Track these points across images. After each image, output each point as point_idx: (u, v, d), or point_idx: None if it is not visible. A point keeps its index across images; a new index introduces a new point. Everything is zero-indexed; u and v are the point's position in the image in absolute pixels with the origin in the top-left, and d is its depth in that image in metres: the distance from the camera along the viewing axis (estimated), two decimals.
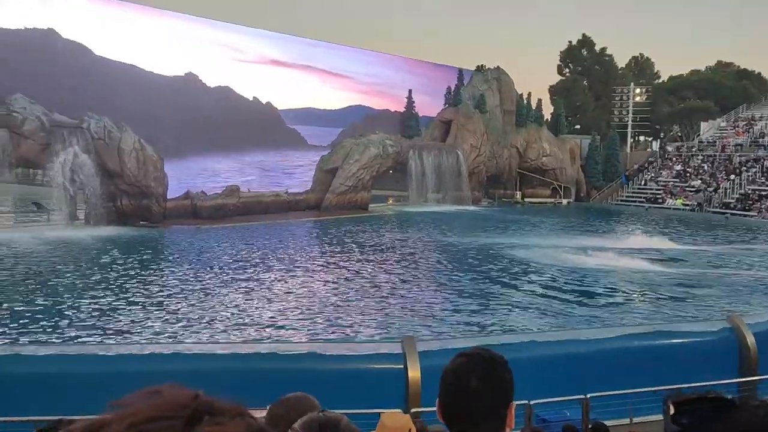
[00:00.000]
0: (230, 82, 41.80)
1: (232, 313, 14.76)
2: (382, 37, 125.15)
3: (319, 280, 19.29)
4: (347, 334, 13.19)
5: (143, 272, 19.66)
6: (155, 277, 19.04)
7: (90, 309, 14.77)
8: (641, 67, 72.22)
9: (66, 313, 14.42)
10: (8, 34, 30.76)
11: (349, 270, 21.14)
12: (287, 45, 45.30)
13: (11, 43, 30.21)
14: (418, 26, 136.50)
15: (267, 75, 43.85)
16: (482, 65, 55.72)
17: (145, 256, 22.68)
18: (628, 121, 62.55)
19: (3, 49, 29.43)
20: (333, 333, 13.34)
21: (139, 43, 36.48)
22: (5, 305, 14.88)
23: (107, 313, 14.52)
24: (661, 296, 17.98)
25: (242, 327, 13.66)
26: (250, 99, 43.29)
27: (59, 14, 33.21)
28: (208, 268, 20.51)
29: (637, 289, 19.05)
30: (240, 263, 21.82)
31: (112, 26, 35.33)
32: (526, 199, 52.63)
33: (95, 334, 12.72)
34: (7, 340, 11.89)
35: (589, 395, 6.26)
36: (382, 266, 22.11)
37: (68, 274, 18.96)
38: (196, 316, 14.38)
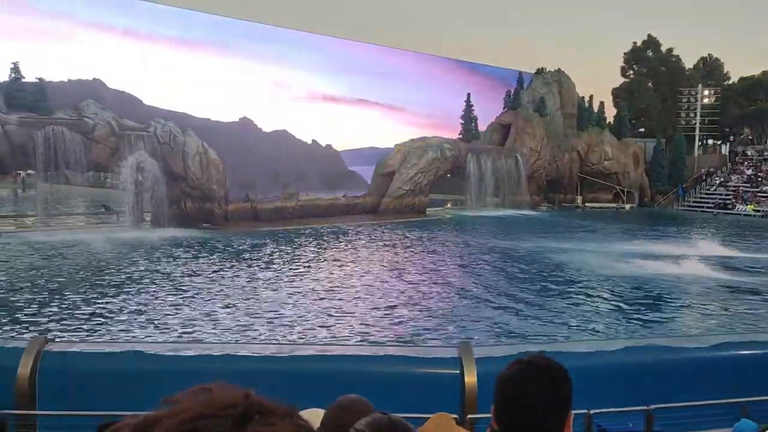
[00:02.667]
0: (286, 125, 40.76)
1: (287, 313, 14.97)
2: (440, 42, 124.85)
3: (374, 282, 19.33)
4: (403, 337, 13.17)
5: (217, 270, 20.19)
6: (222, 276, 19.51)
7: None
8: (710, 68, 69.64)
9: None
10: (56, 86, 31.47)
11: (405, 273, 21.12)
12: (338, 78, 44.62)
13: (61, 94, 30.85)
14: (477, 29, 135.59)
15: (322, 113, 42.91)
16: (542, 68, 54.92)
17: (226, 256, 23.29)
18: (695, 123, 60.44)
19: (54, 100, 29.93)
20: (388, 335, 13.34)
21: (188, 89, 35.80)
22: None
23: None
24: (730, 305, 17.27)
25: (304, 328, 13.82)
26: (309, 142, 42.38)
27: (105, 64, 33.20)
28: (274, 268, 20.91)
29: (704, 298, 18.35)
30: (303, 265, 22.13)
31: (159, 73, 34.72)
32: (586, 204, 51.48)
33: (183, 332, 13.12)
34: (74, 338, 12.36)
35: (652, 406, 6.05)
36: (440, 270, 22.01)
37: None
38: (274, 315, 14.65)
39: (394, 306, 16.19)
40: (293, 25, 48.25)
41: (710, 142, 68.51)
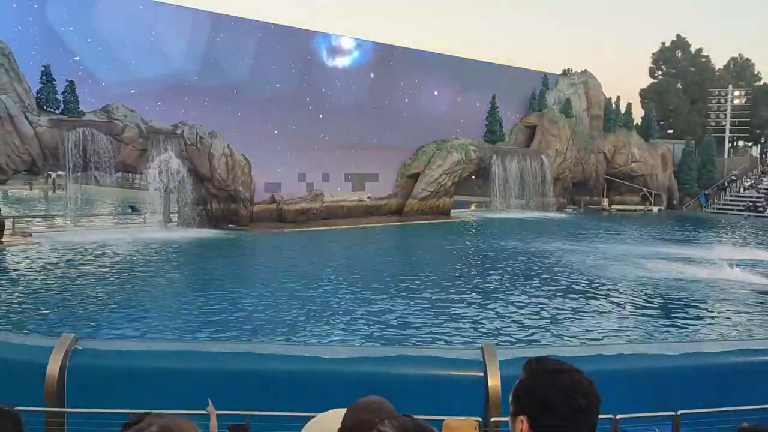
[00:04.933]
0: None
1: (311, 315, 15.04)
2: (467, 45, 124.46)
3: (398, 284, 19.30)
4: (425, 339, 13.13)
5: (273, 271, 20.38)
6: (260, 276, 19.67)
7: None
8: (740, 69, 68.44)
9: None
10: None
11: (428, 275, 21.07)
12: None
13: None
14: (503, 30, 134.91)
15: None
16: (568, 69, 54.40)
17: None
18: (725, 125, 59.42)
19: None
20: (410, 338, 13.31)
21: None
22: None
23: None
24: (760, 310, 16.94)
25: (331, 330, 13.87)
26: None
27: None
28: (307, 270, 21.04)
29: (733, 302, 18.02)
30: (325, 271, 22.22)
31: None
32: (613, 206, 50.91)
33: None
34: (104, 336, 12.55)
35: (680, 412, 5.96)
36: (463, 273, 21.93)
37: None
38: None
39: (417, 308, 16.18)
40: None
41: (740, 143, 67.34)
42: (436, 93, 43.00)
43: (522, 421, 1.74)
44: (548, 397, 1.72)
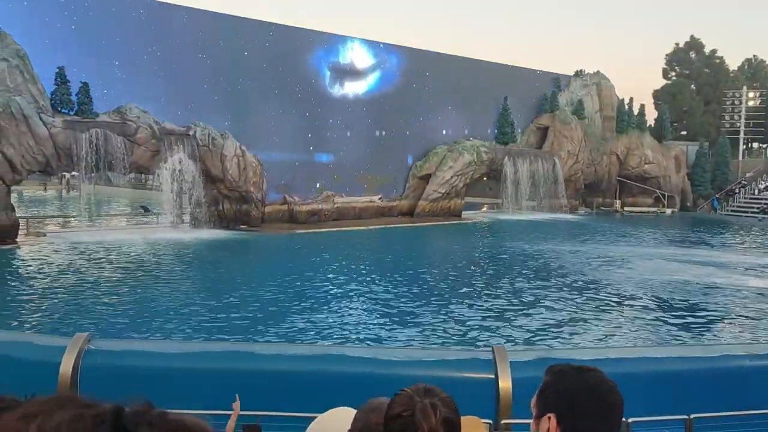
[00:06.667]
0: None
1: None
2: (478, 46, 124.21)
3: (408, 286, 19.30)
4: (435, 341, 13.11)
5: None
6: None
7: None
8: (755, 70, 67.88)
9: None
10: None
11: (438, 277, 21.05)
12: None
13: None
14: (515, 31, 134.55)
15: None
16: (581, 70, 54.14)
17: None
18: (740, 126, 58.91)
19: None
20: (421, 339, 13.29)
21: None
22: None
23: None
24: None
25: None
26: None
27: None
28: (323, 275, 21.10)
29: (744, 306, 17.85)
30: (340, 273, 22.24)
31: None
32: (625, 208, 50.61)
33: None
34: (118, 335, 12.62)
35: (693, 416, 5.91)
36: (475, 275, 21.88)
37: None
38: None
39: (427, 310, 16.15)
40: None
41: (755, 145, 66.81)
42: (446, 94, 42.93)
43: (549, 418, 1.72)
44: (576, 395, 1.71)
